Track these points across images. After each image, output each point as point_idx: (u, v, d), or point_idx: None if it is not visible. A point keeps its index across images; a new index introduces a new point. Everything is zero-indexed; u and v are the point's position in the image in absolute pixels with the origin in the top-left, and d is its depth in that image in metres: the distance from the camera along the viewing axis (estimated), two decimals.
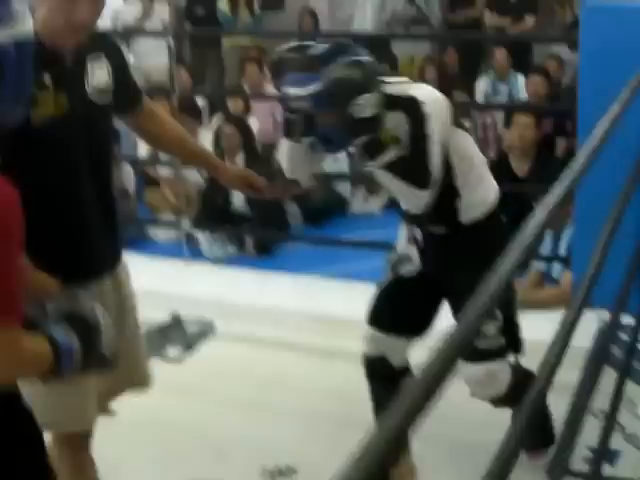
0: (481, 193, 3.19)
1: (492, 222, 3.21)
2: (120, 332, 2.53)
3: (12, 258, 1.83)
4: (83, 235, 2.65)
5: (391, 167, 3.04)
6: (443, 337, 1.20)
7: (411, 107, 2.98)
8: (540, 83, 7.63)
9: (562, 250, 5.09)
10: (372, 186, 7.11)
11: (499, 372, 3.19)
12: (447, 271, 3.23)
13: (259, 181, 3.14)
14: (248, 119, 7.74)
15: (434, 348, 1.15)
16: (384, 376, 3.36)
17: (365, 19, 9.76)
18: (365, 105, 2.92)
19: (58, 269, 2.41)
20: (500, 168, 6.22)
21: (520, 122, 6.27)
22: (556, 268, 5.17)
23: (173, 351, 4.65)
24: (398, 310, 3.33)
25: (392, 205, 7.22)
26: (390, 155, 3.01)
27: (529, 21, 9.06)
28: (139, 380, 2.93)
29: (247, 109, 8.07)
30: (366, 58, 2.99)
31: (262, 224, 6.66)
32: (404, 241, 3.44)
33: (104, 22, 9.04)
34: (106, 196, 2.74)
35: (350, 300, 4.43)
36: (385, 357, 3.34)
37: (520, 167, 6.32)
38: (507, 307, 3.18)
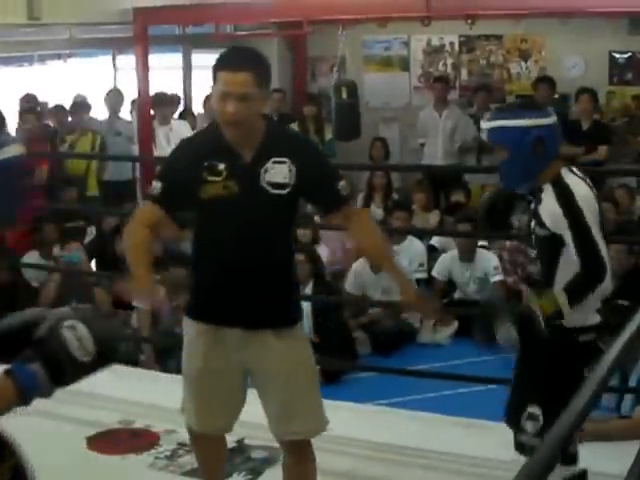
0: None
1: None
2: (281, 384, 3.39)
3: None
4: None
5: None
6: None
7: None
8: (609, 210, 7.59)
9: (633, 382, 4.96)
10: (442, 316, 7.07)
11: None
12: None
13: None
14: (317, 248, 7.78)
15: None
16: None
17: (436, 148, 9.84)
18: None
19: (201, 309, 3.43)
20: None
21: (616, 246, 6.35)
22: (626, 402, 5.03)
23: (238, 477, 4.56)
24: None
25: (461, 335, 7.31)
26: None
27: (602, 150, 9.04)
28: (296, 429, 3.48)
29: (315, 238, 8.12)
30: None
31: (330, 352, 6.61)
32: None
33: (170, 149, 9.33)
34: (272, 261, 3.35)
35: (415, 431, 4.33)
36: None
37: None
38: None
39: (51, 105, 9.88)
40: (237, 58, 3.28)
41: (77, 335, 2.11)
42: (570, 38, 9.97)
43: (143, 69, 9.60)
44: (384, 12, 9.38)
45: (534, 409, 3.38)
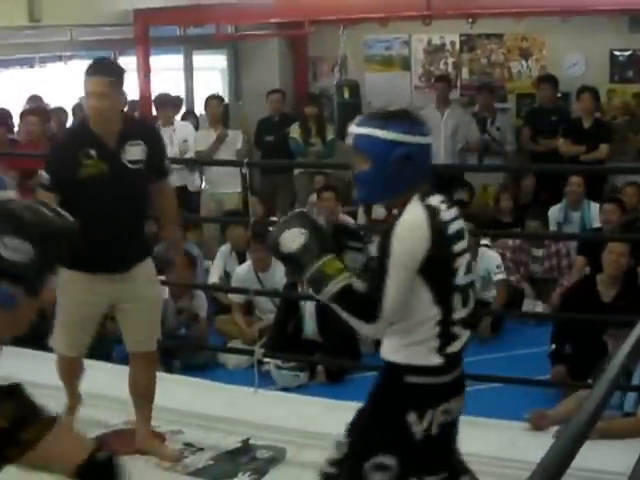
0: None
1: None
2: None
3: None
4: (108, 245, 4.29)
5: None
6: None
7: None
8: (614, 212, 7.66)
9: (636, 380, 4.96)
10: None
11: None
12: None
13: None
14: None
15: None
16: None
17: (438, 148, 9.84)
18: None
19: (96, 263, 4.29)
20: (586, 292, 6.36)
21: (617, 249, 6.32)
22: (629, 399, 5.03)
23: (243, 477, 4.56)
24: None
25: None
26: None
27: (603, 149, 9.05)
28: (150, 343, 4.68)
29: None
30: None
31: (334, 352, 6.62)
32: None
33: (173, 150, 9.37)
34: (129, 222, 4.41)
35: None
36: None
37: (607, 292, 6.38)
38: None
39: (52, 107, 9.89)
40: (97, 67, 4.32)
41: None
42: (571, 36, 9.97)
43: (144, 70, 9.62)
44: (385, 12, 9.41)
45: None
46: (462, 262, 2.98)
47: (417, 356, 2.97)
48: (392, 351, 3.03)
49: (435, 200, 2.95)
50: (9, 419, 2.26)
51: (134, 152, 4.36)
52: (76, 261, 3.60)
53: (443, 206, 2.97)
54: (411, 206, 2.92)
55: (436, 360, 2.96)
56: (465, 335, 3.03)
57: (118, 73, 4.36)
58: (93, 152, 4.30)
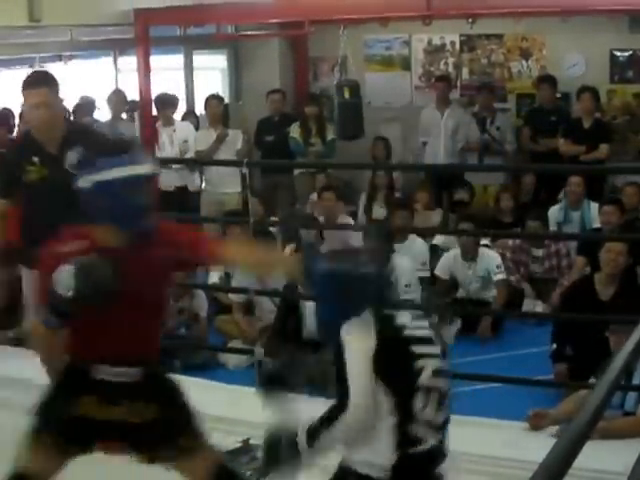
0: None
1: None
2: None
3: None
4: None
5: None
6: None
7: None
8: (613, 213, 7.66)
9: (637, 380, 4.95)
10: (443, 315, 7.06)
11: None
12: None
13: None
14: (321, 247, 7.78)
15: None
16: None
17: (438, 147, 9.84)
18: None
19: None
20: (584, 291, 6.39)
21: (614, 248, 6.33)
22: (630, 399, 5.02)
23: None
24: None
25: (464, 333, 7.30)
26: None
27: (603, 149, 9.05)
28: None
29: (321, 237, 8.12)
30: None
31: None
32: None
33: (174, 150, 9.36)
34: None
35: None
36: None
37: (605, 291, 6.39)
38: None
39: None
40: (35, 79, 4.69)
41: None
42: (571, 36, 9.95)
43: (144, 70, 9.61)
44: (385, 12, 9.39)
45: None
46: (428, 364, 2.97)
47: (372, 454, 2.95)
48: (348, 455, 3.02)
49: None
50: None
51: (74, 156, 4.48)
52: (28, 260, 4.17)
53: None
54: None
55: (391, 458, 2.93)
56: (433, 439, 2.98)
57: (55, 82, 4.71)
58: (36, 159, 4.67)
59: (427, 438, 2.94)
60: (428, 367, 2.95)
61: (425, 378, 2.94)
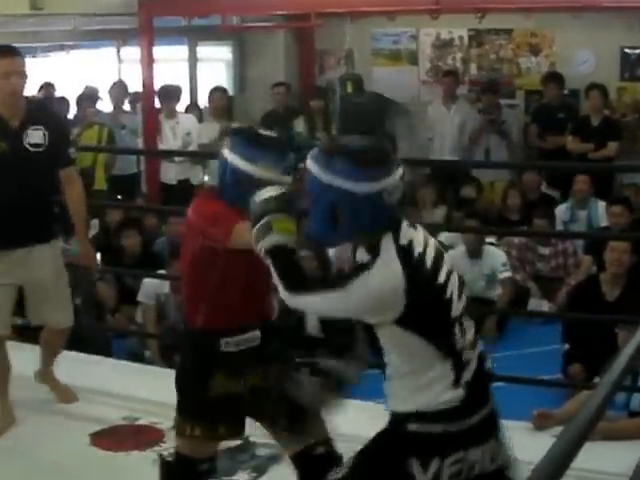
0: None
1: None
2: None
3: None
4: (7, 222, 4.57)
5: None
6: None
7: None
8: (621, 214, 7.64)
9: None
10: None
11: None
12: None
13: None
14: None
15: None
16: None
17: (444, 143, 9.75)
18: None
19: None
20: (590, 292, 6.39)
21: (618, 247, 6.31)
22: (635, 398, 4.97)
23: (243, 475, 4.51)
24: None
25: None
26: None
27: (612, 147, 8.97)
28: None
29: None
30: None
31: (334, 350, 6.50)
32: None
33: (176, 142, 9.27)
34: (29, 203, 4.57)
35: None
36: None
37: (611, 292, 6.38)
38: None
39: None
40: (9, 49, 4.53)
41: None
42: (581, 33, 9.87)
43: (148, 61, 9.52)
44: (393, 5, 9.38)
45: None
46: (452, 284, 2.74)
47: (427, 400, 2.72)
48: (398, 400, 2.82)
49: (406, 233, 2.70)
50: None
51: (35, 136, 4.55)
52: None
53: (413, 234, 2.73)
54: (380, 258, 2.64)
55: (455, 395, 2.70)
56: (475, 358, 2.77)
57: (23, 55, 4.65)
58: None
59: (472, 358, 2.74)
60: (454, 288, 2.72)
61: (455, 303, 2.71)
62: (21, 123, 4.55)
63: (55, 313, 4.83)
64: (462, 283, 2.80)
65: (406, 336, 2.67)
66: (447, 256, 2.81)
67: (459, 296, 2.74)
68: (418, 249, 2.69)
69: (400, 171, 2.69)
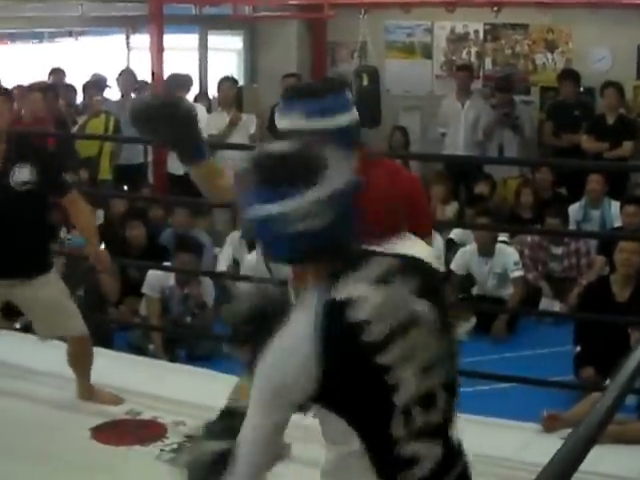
0: None
1: None
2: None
3: None
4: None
5: None
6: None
7: None
8: (635, 214, 7.58)
9: None
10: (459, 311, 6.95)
11: None
12: None
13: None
14: None
15: None
16: None
17: (457, 138, 9.65)
18: None
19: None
20: (600, 292, 6.38)
21: (628, 248, 6.28)
22: None
23: None
24: None
25: (479, 331, 7.15)
26: None
27: (627, 146, 8.88)
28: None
29: None
30: None
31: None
32: None
33: None
34: (19, 241, 4.52)
35: None
36: None
37: (621, 293, 6.34)
38: None
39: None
40: None
41: None
42: (598, 30, 9.77)
43: (157, 49, 9.40)
44: None
45: None
46: (415, 366, 2.09)
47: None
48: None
49: (350, 284, 2.06)
50: None
51: (22, 174, 4.48)
52: None
53: (363, 289, 2.05)
54: (302, 306, 2.08)
55: None
56: (434, 450, 2.14)
57: (5, 90, 4.75)
58: None
59: (423, 452, 2.11)
60: (413, 367, 2.09)
61: (408, 387, 2.08)
62: (4, 162, 4.49)
63: (70, 322, 4.76)
64: (453, 379, 2.31)
65: (326, 413, 2.15)
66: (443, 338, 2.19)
67: (423, 371, 2.12)
68: (360, 313, 2.03)
69: (334, 189, 2.05)
